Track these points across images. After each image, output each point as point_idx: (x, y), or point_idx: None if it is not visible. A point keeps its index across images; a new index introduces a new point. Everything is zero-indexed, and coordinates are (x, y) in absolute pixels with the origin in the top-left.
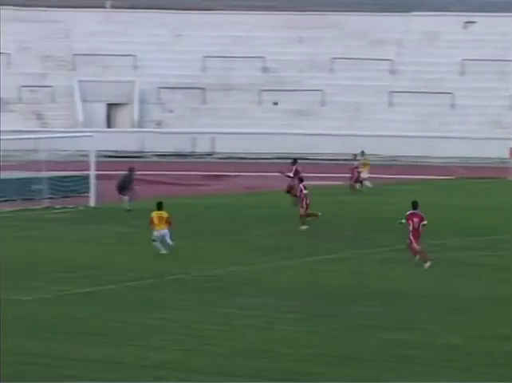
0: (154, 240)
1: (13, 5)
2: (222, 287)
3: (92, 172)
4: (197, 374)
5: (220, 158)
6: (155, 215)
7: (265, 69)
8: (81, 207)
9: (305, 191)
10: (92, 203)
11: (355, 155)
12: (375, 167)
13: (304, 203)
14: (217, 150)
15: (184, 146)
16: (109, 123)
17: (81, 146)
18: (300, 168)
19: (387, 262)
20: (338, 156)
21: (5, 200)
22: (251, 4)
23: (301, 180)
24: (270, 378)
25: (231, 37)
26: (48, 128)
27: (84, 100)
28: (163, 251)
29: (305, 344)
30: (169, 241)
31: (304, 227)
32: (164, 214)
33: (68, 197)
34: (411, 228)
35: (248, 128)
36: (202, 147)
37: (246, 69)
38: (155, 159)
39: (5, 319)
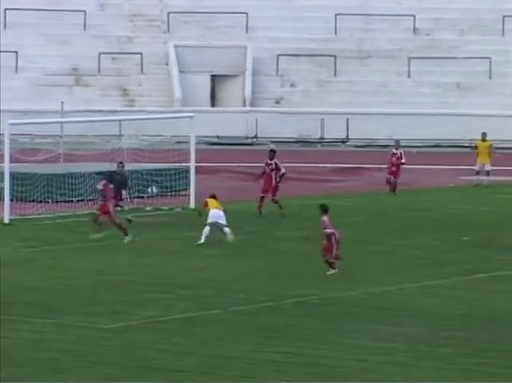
0: (206, 225)
1: None
2: (359, 313)
3: (193, 164)
4: None
5: (356, 146)
6: (209, 200)
7: (415, 31)
8: (178, 209)
9: None
10: (192, 203)
11: (397, 141)
12: None
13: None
14: (352, 136)
15: (310, 130)
16: (214, 100)
17: (178, 130)
18: (279, 162)
19: None
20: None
21: (80, 200)
22: None
23: None
24: None
25: None
26: (135, 107)
27: (181, 71)
28: (201, 241)
29: None
30: (227, 230)
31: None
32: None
33: (161, 196)
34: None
35: (392, 107)
36: (333, 131)
37: (390, 30)
38: (272, 147)
39: (79, 352)
